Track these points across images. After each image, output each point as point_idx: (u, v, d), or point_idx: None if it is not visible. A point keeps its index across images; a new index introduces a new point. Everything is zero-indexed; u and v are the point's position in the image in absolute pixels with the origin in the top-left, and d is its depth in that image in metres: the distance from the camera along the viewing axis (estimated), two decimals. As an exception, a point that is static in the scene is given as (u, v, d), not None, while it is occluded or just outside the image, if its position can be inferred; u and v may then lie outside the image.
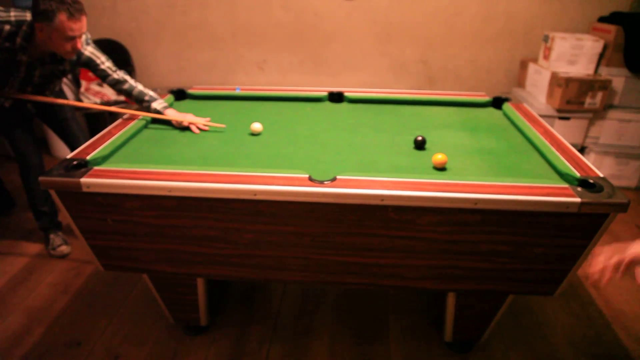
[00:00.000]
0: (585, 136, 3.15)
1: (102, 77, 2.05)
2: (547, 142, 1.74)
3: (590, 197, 1.32)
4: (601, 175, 1.46)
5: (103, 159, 1.59)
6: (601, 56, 3.02)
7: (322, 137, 1.86)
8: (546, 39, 3.12)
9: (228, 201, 1.41)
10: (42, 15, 1.73)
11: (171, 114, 1.94)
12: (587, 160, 1.70)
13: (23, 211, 2.88)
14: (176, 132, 1.90)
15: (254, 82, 3.66)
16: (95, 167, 1.49)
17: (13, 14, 1.88)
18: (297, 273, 1.58)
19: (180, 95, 2.33)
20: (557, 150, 1.67)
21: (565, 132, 3.08)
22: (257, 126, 1.87)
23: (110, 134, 1.78)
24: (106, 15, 3.51)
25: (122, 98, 3.31)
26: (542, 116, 2.99)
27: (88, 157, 1.55)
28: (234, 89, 2.40)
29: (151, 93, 2.01)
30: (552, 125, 3.03)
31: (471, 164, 1.63)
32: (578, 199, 1.31)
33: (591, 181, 1.40)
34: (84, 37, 1.97)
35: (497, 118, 2.11)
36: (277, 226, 1.46)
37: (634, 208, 2.95)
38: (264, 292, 2.20)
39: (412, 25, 3.37)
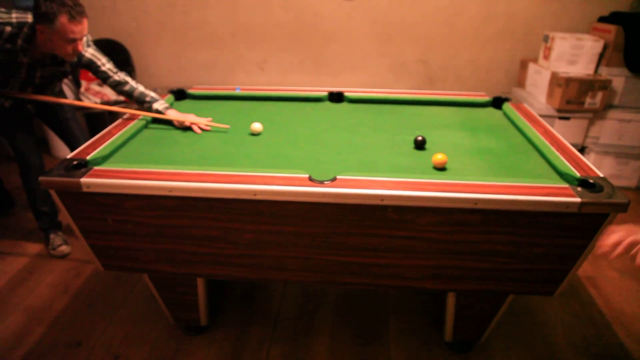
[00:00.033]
0: (585, 136, 3.15)
1: (103, 78, 2.05)
2: (547, 142, 1.74)
3: (591, 197, 1.32)
4: (601, 175, 1.46)
5: (103, 159, 1.59)
6: (601, 56, 3.02)
7: (322, 137, 1.86)
8: (546, 39, 3.12)
9: (228, 201, 1.41)
10: (43, 17, 1.73)
11: (173, 115, 1.94)
12: (587, 160, 1.70)
13: (23, 211, 2.88)
14: (176, 132, 1.90)
15: (254, 82, 3.66)
16: (95, 167, 1.49)
17: (14, 16, 1.88)
18: (297, 273, 1.58)
19: (180, 95, 2.33)
20: (557, 150, 1.67)
21: (565, 132, 3.08)
22: (257, 126, 1.87)
23: (110, 134, 1.78)
24: (106, 15, 3.51)
25: (122, 98, 3.31)
26: (542, 116, 2.99)
27: (88, 157, 1.55)
28: (234, 89, 2.40)
29: (152, 94, 2.01)
30: (552, 125, 3.03)
31: (471, 164, 1.63)
32: (578, 199, 1.31)
33: (591, 181, 1.40)
34: (84, 39, 1.98)
35: (497, 118, 2.11)
36: (277, 226, 1.46)
37: (634, 208, 2.95)
38: (264, 292, 2.20)
39: (412, 25, 3.38)
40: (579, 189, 1.37)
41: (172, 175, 1.43)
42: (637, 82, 2.99)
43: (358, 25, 3.41)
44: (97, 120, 3.54)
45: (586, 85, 2.90)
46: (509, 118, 2.08)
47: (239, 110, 2.16)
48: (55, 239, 2.46)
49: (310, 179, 1.41)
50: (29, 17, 1.88)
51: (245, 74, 3.65)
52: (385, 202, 1.36)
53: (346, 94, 2.33)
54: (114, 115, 3.51)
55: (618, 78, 2.99)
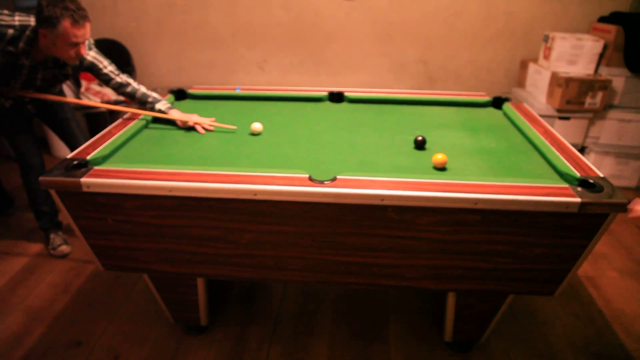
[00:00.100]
0: (586, 136, 3.15)
1: (105, 81, 2.05)
2: (547, 142, 1.74)
3: (591, 197, 1.32)
4: (601, 175, 1.46)
5: (103, 158, 1.59)
6: (601, 56, 3.02)
7: (322, 137, 1.86)
8: (546, 39, 3.12)
9: (228, 201, 1.41)
10: (46, 21, 1.73)
11: (176, 115, 1.95)
12: (587, 160, 1.70)
13: (23, 211, 2.88)
14: (176, 132, 1.90)
15: (254, 82, 3.66)
16: (96, 167, 1.49)
17: (17, 19, 1.88)
18: (297, 273, 1.58)
19: (180, 95, 2.33)
20: (557, 150, 1.67)
21: (565, 132, 3.08)
22: (257, 126, 1.87)
23: (110, 134, 1.78)
24: (106, 15, 3.51)
25: (122, 98, 3.30)
26: (542, 116, 2.99)
27: (88, 157, 1.55)
28: (234, 89, 2.40)
29: (154, 95, 2.01)
30: (552, 125, 3.03)
31: (471, 164, 1.63)
32: (578, 199, 1.31)
33: (591, 181, 1.40)
34: (87, 42, 1.98)
35: (497, 118, 2.11)
36: (277, 226, 1.46)
37: (634, 208, 2.95)
38: (264, 292, 2.20)
39: (412, 25, 3.38)
40: (579, 189, 1.37)
41: (172, 175, 1.43)
42: (637, 82, 2.99)
43: (358, 25, 3.41)
44: (97, 120, 3.54)
45: (586, 85, 2.90)
46: (509, 118, 2.08)
47: (239, 110, 2.16)
48: (56, 238, 2.46)
49: (310, 179, 1.41)
50: (32, 20, 1.88)
51: (245, 73, 3.65)
52: (385, 202, 1.36)
53: (346, 94, 2.33)
54: (114, 115, 3.51)
55: (618, 78, 2.99)
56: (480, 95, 2.34)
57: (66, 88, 3.20)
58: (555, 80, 2.97)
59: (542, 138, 1.78)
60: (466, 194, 1.34)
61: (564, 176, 1.49)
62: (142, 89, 2.03)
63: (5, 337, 1.92)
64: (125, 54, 3.54)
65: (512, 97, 3.45)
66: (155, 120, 2.01)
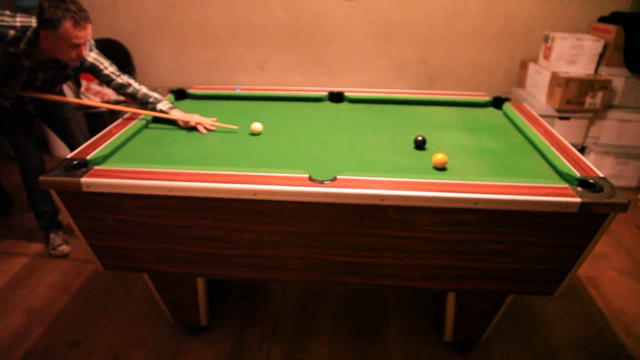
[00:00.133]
0: (586, 136, 3.15)
1: (106, 82, 2.04)
2: (547, 142, 1.74)
3: (591, 197, 1.32)
4: (601, 175, 1.47)
5: (103, 158, 1.59)
6: (601, 56, 3.02)
7: (322, 137, 1.86)
8: (546, 39, 3.12)
9: (228, 201, 1.41)
10: (48, 23, 1.73)
11: (177, 115, 1.95)
12: (587, 160, 1.70)
13: (23, 211, 2.88)
14: (176, 132, 1.90)
15: (254, 82, 3.66)
16: (96, 167, 1.49)
17: (19, 20, 1.88)
18: (297, 273, 1.58)
19: (180, 95, 2.33)
20: (557, 150, 1.67)
21: (565, 132, 3.08)
22: (257, 126, 1.87)
23: (110, 134, 1.78)
24: (106, 15, 3.51)
25: (122, 97, 3.31)
26: (542, 116, 2.99)
27: (88, 157, 1.55)
28: (234, 89, 2.40)
29: (155, 95, 2.01)
30: (552, 125, 3.03)
31: (471, 164, 1.63)
32: (578, 199, 1.31)
33: (591, 181, 1.40)
34: (88, 43, 1.98)
35: (498, 118, 2.11)
36: (277, 226, 1.46)
37: (634, 208, 2.96)
38: (264, 292, 2.20)
39: (412, 25, 3.38)
40: (579, 189, 1.37)
41: (172, 175, 1.43)
42: (637, 82, 2.99)
43: (358, 25, 3.41)
44: (97, 120, 3.54)
45: (586, 85, 2.90)
46: (509, 118, 2.08)
47: (239, 110, 2.16)
48: (56, 238, 2.46)
49: (310, 178, 1.41)
50: (33, 22, 1.88)
51: (245, 73, 3.65)
52: (386, 202, 1.36)
53: (346, 94, 2.33)
54: (114, 115, 3.51)
55: (618, 78, 2.99)
56: (480, 95, 2.34)
57: (66, 88, 3.20)
58: (555, 80, 2.97)
59: (542, 138, 1.78)
60: (466, 194, 1.34)
61: (564, 176, 1.49)
62: (143, 90, 2.03)
63: (5, 337, 1.92)
64: (125, 54, 3.54)
65: (512, 97, 3.45)
66: (155, 120, 2.01)
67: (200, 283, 1.73)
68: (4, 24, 1.85)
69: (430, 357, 1.84)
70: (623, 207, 1.31)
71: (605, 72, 3.00)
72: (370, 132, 1.91)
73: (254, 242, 1.51)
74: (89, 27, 1.81)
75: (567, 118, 3.05)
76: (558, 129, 3.05)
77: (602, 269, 2.39)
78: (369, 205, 1.38)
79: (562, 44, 2.99)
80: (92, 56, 2.02)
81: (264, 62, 3.60)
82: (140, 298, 2.15)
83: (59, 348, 1.87)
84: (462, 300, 1.67)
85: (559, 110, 3.02)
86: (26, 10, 3.19)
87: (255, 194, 1.38)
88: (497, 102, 2.25)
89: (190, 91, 2.35)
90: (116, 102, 3.29)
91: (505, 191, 1.35)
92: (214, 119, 1.98)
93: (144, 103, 2.01)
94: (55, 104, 2.33)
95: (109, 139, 1.73)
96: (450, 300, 1.68)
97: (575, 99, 2.94)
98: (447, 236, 1.43)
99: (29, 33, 1.87)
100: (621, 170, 3.15)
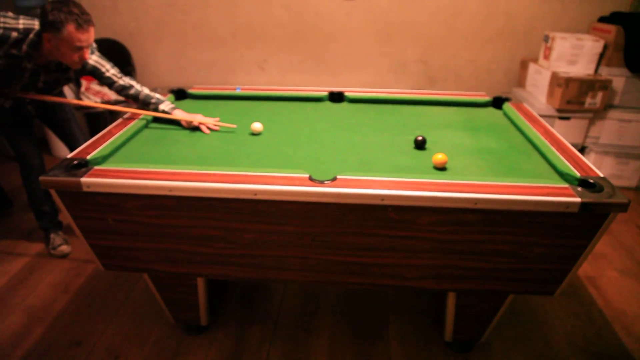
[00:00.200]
0: (586, 136, 3.15)
1: (108, 84, 2.04)
2: (547, 142, 1.74)
3: (591, 197, 1.32)
4: (601, 175, 1.47)
5: (103, 158, 1.59)
6: (601, 56, 3.02)
7: (322, 137, 1.86)
8: (546, 38, 3.12)
9: (228, 201, 1.41)
10: (51, 25, 1.73)
11: (180, 115, 1.95)
12: (587, 160, 1.70)
13: (23, 211, 2.88)
14: (176, 132, 1.90)
15: (254, 81, 3.66)
16: (96, 167, 1.49)
17: (22, 22, 1.88)
18: (297, 273, 1.58)
19: (180, 95, 2.33)
20: (557, 150, 1.67)
21: (565, 132, 3.08)
22: (257, 126, 1.87)
23: (110, 134, 1.78)
24: (106, 14, 3.51)
25: (122, 97, 3.31)
26: (543, 116, 2.99)
27: (88, 157, 1.55)
28: (235, 89, 2.40)
29: (157, 96, 2.01)
30: (552, 125, 3.03)
31: (471, 164, 1.63)
32: (578, 199, 1.31)
33: (591, 181, 1.40)
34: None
35: (498, 118, 2.11)
36: (277, 226, 1.46)
37: (634, 208, 2.95)
38: (264, 292, 2.20)
39: (412, 25, 3.38)
40: (579, 188, 1.37)
41: (172, 175, 1.43)
42: (637, 82, 2.99)
43: (358, 25, 3.41)
44: (98, 120, 3.54)
45: (586, 85, 2.90)
46: (509, 118, 2.08)
47: (239, 110, 2.16)
48: (56, 238, 2.46)
49: (310, 178, 1.41)
50: (36, 24, 1.88)
51: (245, 73, 3.65)
52: (386, 202, 1.36)
53: (346, 93, 2.33)
54: (114, 115, 3.51)
55: (618, 78, 2.99)
56: (481, 95, 2.34)
57: (66, 88, 3.20)
58: (556, 80, 2.97)
59: (542, 138, 1.78)
60: (466, 194, 1.34)
61: (564, 176, 1.49)
62: (145, 91, 2.03)
63: (5, 337, 1.92)
64: (125, 53, 3.54)
65: (512, 97, 3.45)
66: (156, 120, 2.01)
67: (200, 283, 1.73)
68: (7, 26, 1.85)
69: (430, 357, 1.84)
70: (623, 207, 1.31)
71: (605, 72, 3.00)
72: (370, 132, 1.91)
73: (254, 242, 1.51)
74: (92, 30, 1.81)
75: (567, 118, 3.05)
76: (558, 129, 3.05)
77: (602, 269, 2.39)
78: (369, 205, 1.38)
79: (562, 44, 2.99)
80: (94, 59, 2.02)
81: (264, 62, 3.61)
82: (140, 298, 2.15)
83: (59, 348, 1.87)
84: (462, 300, 1.67)
85: (559, 110, 3.02)
86: (26, 10, 3.20)
87: (255, 194, 1.38)
88: (497, 102, 2.25)
89: (191, 91, 2.35)
90: (116, 102, 3.29)
91: (505, 191, 1.35)
92: (217, 118, 1.98)
93: (146, 104, 2.01)
94: (55, 105, 2.33)
95: (109, 139, 1.73)
96: (450, 300, 1.68)
97: (576, 98, 2.94)
98: (447, 236, 1.43)
99: (31, 35, 1.87)
100: (621, 170, 3.15)
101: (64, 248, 2.44)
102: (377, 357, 1.83)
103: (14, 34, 1.85)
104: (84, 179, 1.40)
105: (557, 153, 1.64)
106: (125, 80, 2.04)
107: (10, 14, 1.90)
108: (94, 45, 2.05)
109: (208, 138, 1.85)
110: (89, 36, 1.80)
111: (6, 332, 1.95)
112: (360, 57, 3.52)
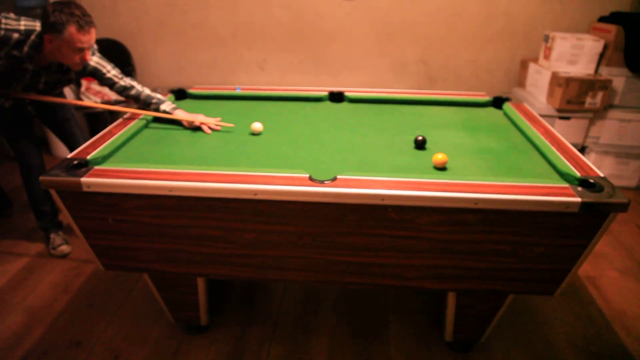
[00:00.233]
0: (586, 136, 3.15)
1: (109, 85, 2.04)
2: (547, 142, 1.74)
3: (591, 197, 1.31)
4: (601, 175, 1.46)
5: (103, 158, 1.59)
6: (601, 56, 3.02)
7: (322, 137, 1.86)
8: (546, 38, 3.12)
9: (228, 201, 1.41)
10: (52, 27, 1.73)
11: (182, 115, 1.95)
12: (588, 160, 1.70)
13: (23, 211, 2.88)
14: (176, 132, 1.90)
15: (254, 81, 3.66)
16: (96, 167, 1.49)
17: (23, 23, 1.88)
18: (297, 273, 1.58)
19: (180, 95, 2.33)
20: (557, 150, 1.67)
21: (565, 132, 3.08)
22: (257, 126, 1.87)
23: (110, 134, 1.78)
24: (106, 14, 3.51)
25: (122, 97, 3.31)
26: (543, 116, 2.99)
27: (88, 157, 1.55)
28: (235, 89, 2.40)
29: (158, 96, 2.01)
30: (552, 125, 3.03)
31: (471, 164, 1.63)
32: (578, 199, 1.31)
33: (591, 181, 1.40)
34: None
35: (498, 118, 2.11)
36: (277, 226, 1.46)
37: (634, 208, 2.95)
38: (264, 292, 2.20)
39: (413, 25, 3.38)
40: (580, 188, 1.37)
41: (172, 175, 1.43)
42: (637, 82, 2.99)
43: (358, 25, 3.41)
44: (98, 120, 3.54)
45: (586, 85, 2.90)
46: (509, 118, 2.08)
47: (239, 110, 2.16)
48: (56, 238, 2.46)
49: (310, 178, 1.41)
50: (37, 25, 1.88)
51: (245, 73, 3.65)
52: (386, 202, 1.36)
53: (346, 93, 2.33)
54: (114, 115, 3.51)
55: (618, 78, 2.99)
56: (481, 95, 2.34)
57: (66, 88, 3.20)
58: (556, 80, 2.97)
59: (543, 138, 1.78)
60: (466, 194, 1.34)
61: (564, 176, 1.49)
62: (146, 91, 2.03)
63: (6, 337, 1.92)
64: (125, 53, 3.54)
65: (512, 97, 3.45)
66: (156, 120, 2.01)
67: (200, 283, 1.73)
68: (8, 27, 1.85)
69: (430, 357, 1.84)
70: (623, 207, 1.31)
71: (605, 72, 3.00)
72: (371, 132, 1.91)
73: (254, 242, 1.51)
74: (93, 31, 1.81)
75: (568, 118, 3.05)
76: (558, 129, 3.05)
77: (602, 269, 2.39)
78: (369, 205, 1.38)
79: (562, 43, 2.99)
80: (95, 60, 2.02)
81: (264, 61, 3.60)
82: (140, 298, 2.15)
83: (59, 348, 1.86)
84: (462, 300, 1.67)
85: (559, 110, 3.02)
86: (26, 11, 3.20)
87: (255, 194, 1.38)
88: (497, 102, 2.25)
89: (191, 91, 2.35)
90: (116, 103, 3.29)
91: (506, 191, 1.35)
92: (218, 118, 1.98)
93: (147, 104, 2.01)
94: (55, 105, 2.33)
95: (109, 139, 1.73)
96: (451, 300, 1.68)
97: (576, 98, 2.94)
98: (447, 236, 1.43)
99: (32, 37, 1.87)
100: (621, 170, 3.15)
101: (64, 248, 2.44)
102: (377, 357, 1.83)
103: (16, 35, 1.85)
104: (84, 179, 1.40)
105: (558, 153, 1.64)
106: (126, 81, 2.04)
107: (11, 15, 1.90)
108: (95, 46, 2.05)
109: (208, 138, 1.85)
110: (90, 38, 1.81)
111: (6, 332, 1.95)
112: (360, 57, 3.52)
